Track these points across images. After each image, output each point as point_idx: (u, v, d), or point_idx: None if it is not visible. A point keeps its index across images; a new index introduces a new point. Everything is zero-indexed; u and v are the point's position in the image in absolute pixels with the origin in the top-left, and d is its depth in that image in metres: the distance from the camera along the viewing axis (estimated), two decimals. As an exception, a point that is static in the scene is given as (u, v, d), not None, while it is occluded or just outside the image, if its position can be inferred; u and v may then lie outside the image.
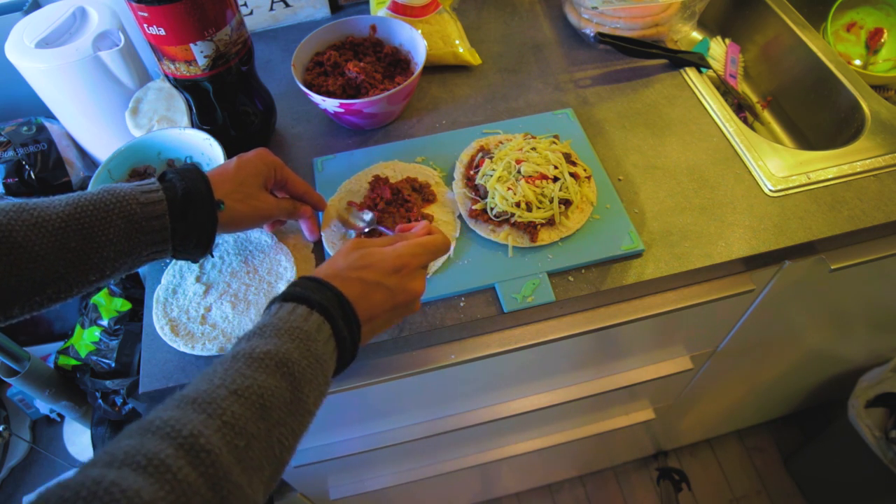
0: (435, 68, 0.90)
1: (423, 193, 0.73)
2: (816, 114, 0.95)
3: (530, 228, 0.68)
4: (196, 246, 0.56)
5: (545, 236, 0.69)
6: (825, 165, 0.76)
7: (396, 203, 0.71)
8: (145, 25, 0.64)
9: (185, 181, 0.54)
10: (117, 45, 0.79)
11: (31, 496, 0.33)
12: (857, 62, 1.07)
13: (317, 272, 0.51)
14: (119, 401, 0.95)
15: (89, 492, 0.30)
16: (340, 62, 0.82)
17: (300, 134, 0.84)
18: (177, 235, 0.54)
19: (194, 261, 0.59)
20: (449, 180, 0.75)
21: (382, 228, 0.68)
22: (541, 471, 1.45)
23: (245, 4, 0.95)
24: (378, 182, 0.73)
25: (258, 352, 0.42)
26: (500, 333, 0.70)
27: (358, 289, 0.49)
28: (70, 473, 0.32)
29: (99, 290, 0.99)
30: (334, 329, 0.46)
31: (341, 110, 0.77)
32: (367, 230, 0.69)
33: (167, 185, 0.54)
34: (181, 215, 0.54)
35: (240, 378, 0.39)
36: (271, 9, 0.97)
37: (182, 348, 0.63)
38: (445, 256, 0.68)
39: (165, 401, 0.38)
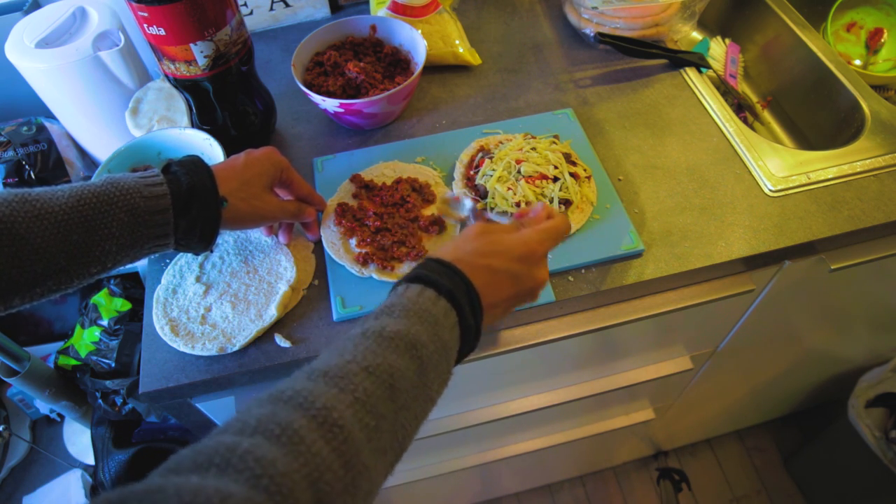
0: (435, 68, 0.90)
1: (423, 193, 0.73)
2: (816, 114, 0.95)
3: (530, 228, 0.68)
4: (199, 241, 0.56)
5: (545, 236, 0.68)
6: (825, 165, 0.76)
7: (396, 204, 0.71)
8: (145, 25, 0.64)
9: (191, 175, 0.54)
10: (117, 45, 0.79)
11: (166, 461, 0.33)
12: (857, 62, 1.07)
13: (443, 255, 0.48)
14: (119, 401, 0.95)
15: (223, 458, 0.30)
16: (340, 62, 0.82)
17: (300, 134, 0.84)
18: (179, 230, 0.54)
19: (196, 254, 0.59)
20: (449, 180, 0.75)
21: (490, 215, 0.64)
22: (541, 471, 1.45)
23: (245, 4, 0.95)
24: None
25: (388, 331, 0.40)
26: (501, 333, 0.71)
27: (485, 276, 0.47)
28: (200, 441, 0.31)
29: (103, 278, 0.99)
30: (460, 317, 0.45)
31: (341, 110, 0.77)
32: (471, 218, 0.64)
33: (171, 178, 0.54)
34: (185, 210, 0.54)
35: (371, 355, 0.39)
36: (271, 9, 0.97)
37: (182, 348, 0.63)
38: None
39: (294, 373, 0.38)
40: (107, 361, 0.94)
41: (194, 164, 0.55)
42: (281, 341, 0.64)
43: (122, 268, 0.54)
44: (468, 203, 0.63)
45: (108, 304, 0.96)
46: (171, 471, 0.30)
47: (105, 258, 0.50)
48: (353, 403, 0.36)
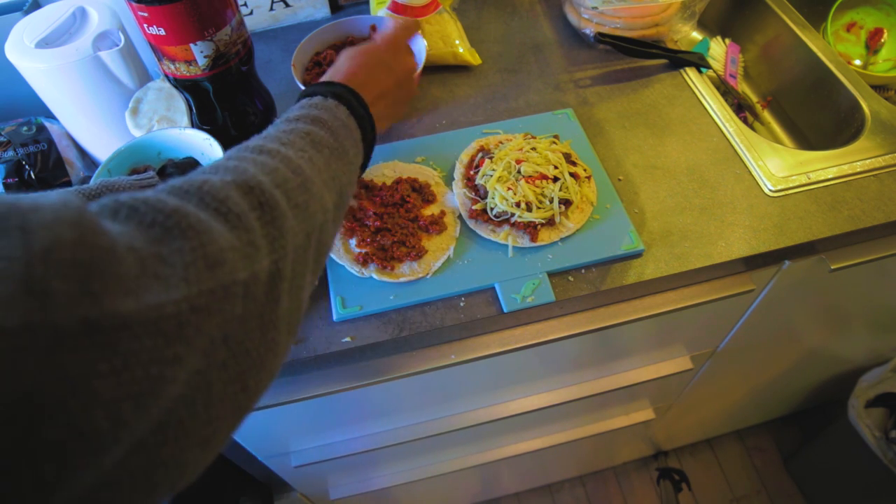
0: (435, 68, 0.90)
1: (423, 193, 0.73)
2: (816, 114, 0.95)
3: (530, 228, 0.68)
4: None
5: (545, 236, 0.69)
6: (825, 165, 0.76)
7: (396, 204, 0.71)
8: (145, 25, 0.64)
9: (181, 172, 0.55)
10: (117, 45, 0.79)
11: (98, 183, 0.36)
12: (857, 62, 1.07)
13: (324, 77, 0.55)
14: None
15: (188, 183, 0.33)
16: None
17: (300, 134, 0.84)
18: None
19: None
20: (449, 180, 0.75)
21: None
22: (541, 471, 1.45)
23: (245, 4, 0.95)
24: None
25: (292, 116, 0.46)
26: (500, 333, 0.71)
27: (361, 74, 0.55)
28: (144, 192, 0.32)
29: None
30: (349, 108, 0.50)
31: (341, 110, 0.77)
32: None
33: (165, 180, 0.54)
34: None
35: (284, 133, 0.43)
36: (271, 9, 0.97)
37: (182, 348, 0.63)
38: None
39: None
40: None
41: (190, 166, 0.56)
42: (281, 341, 0.64)
43: None
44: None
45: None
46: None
47: None
48: (281, 147, 0.41)
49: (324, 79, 0.55)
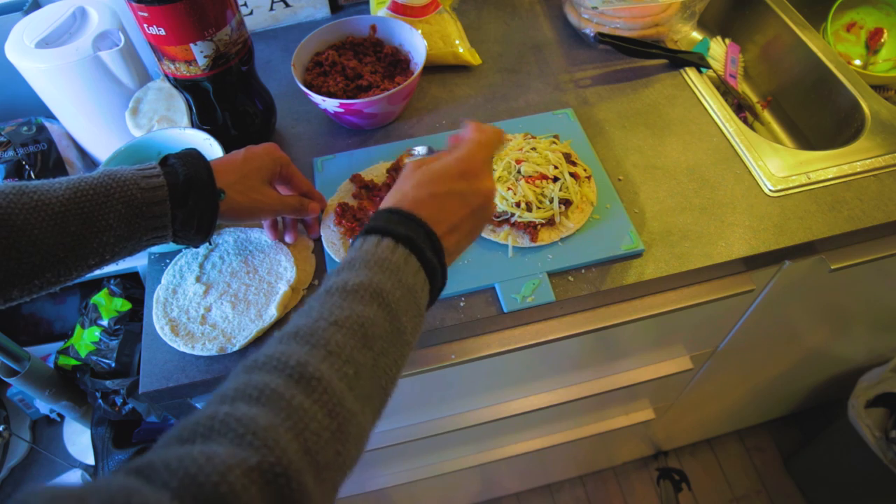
0: (435, 68, 0.90)
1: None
2: (816, 114, 0.95)
3: (530, 228, 0.68)
4: (197, 232, 0.56)
5: (545, 236, 0.69)
6: (825, 165, 0.76)
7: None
8: (145, 25, 0.64)
9: (188, 167, 0.54)
10: (117, 45, 0.79)
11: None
12: (857, 62, 1.07)
13: (388, 202, 0.48)
14: (119, 401, 0.95)
15: (206, 427, 0.30)
16: (340, 62, 0.82)
17: (300, 134, 0.84)
18: (177, 221, 0.54)
19: (195, 246, 0.60)
20: (449, 180, 0.75)
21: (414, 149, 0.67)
22: (541, 471, 1.45)
23: (245, 4, 0.95)
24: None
25: (351, 284, 0.41)
26: (500, 333, 0.70)
27: (432, 205, 0.47)
28: (186, 418, 0.32)
29: (103, 278, 0.99)
30: (422, 260, 0.44)
31: (341, 110, 0.77)
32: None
33: (169, 170, 0.54)
34: (182, 201, 0.54)
35: (337, 310, 0.39)
36: (271, 9, 0.97)
37: (182, 348, 0.63)
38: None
39: (266, 341, 0.38)
40: (107, 361, 0.94)
41: (192, 156, 0.56)
42: (281, 341, 0.64)
43: (120, 260, 0.54)
44: (423, 150, 0.66)
45: (108, 304, 0.96)
46: (158, 447, 0.30)
47: (103, 250, 0.51)
48: (328, 356, 0.36)
49: (391, 203, 0.48)
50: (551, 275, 0.67)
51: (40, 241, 0.47)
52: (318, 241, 0.72)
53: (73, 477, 1.04)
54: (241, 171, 0.60)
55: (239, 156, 0.61)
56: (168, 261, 0.71)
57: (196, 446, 0.29)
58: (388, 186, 0.73)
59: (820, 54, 0.92)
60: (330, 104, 0.76)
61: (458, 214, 0.48)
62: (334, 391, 0.34)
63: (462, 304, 0.66)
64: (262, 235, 0.71)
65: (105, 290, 0.98)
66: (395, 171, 0.75)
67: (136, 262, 0.85)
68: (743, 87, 1.06)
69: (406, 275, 0.43)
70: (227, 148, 0.71)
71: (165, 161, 0.55)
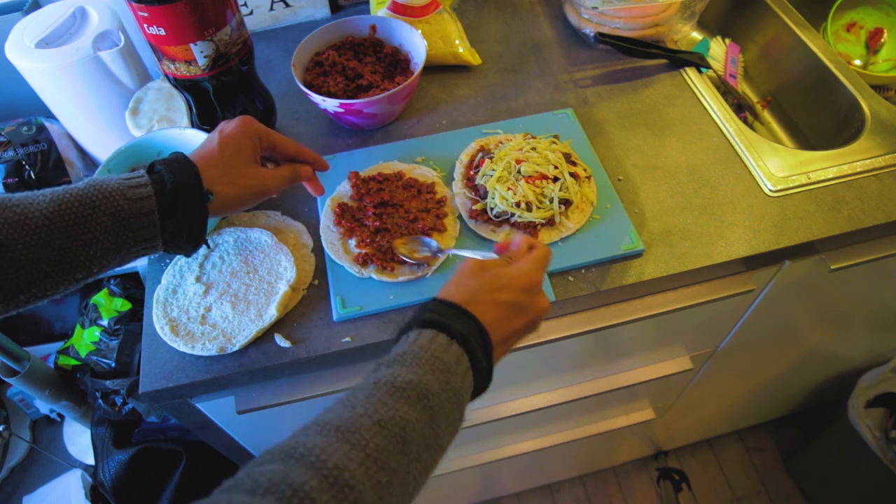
0: (435, 68, 0.90)
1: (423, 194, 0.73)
2: (816, 114, 0.95)
3: (530, 228, 0.68)
4: (187, 241, 0.54)
5: (545, 236, 0.69)
6: (825, 165, 0.76)
7: (396, 204, 0.71)
8: (145, 25, 0.64)
9: (174, 174, 0.52)
10: (117, 45, 0.79)
11: None
12: (857, 62, 1.07)
13: (449, 295, 0.48)
14: (119, 401, 0.95)
15: None
16: (340, 62, 0.82)
17: (300, 134, 0.84)
18: (167, 231, 0.53)
19: (187, 255, 0.58)
20: (449, 180, 0.75)
21: (456, 252, 0.65)
22: (541, 471, 1.45)
23: (245, 4, 0.95)
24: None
25: (400, 381, 0.40)
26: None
27: (493, 312, 0.48)
28: (207, 499, 0.31)
29: (102, 278, 0.99)
30: (472, 360, 0.44)
31: (341, 110, 0.77)
32: (437, 255, 0.66)
33: (156, 178, 0.52)
34: (171, 211, 0.52)
35: (383, 408, 0.38)
36: (271, 9, 0.97)
37: (182, 348, 0.63)
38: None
39: (307, 425, 0.37)
40: (107, 361, 0.94)
41: (178, 161, 0.54)
42: (281, 341, 0.64)
43: (111, 271, 0.53)
44: (434, 244, 0.66)
45: (108, 304, 0.96)
46: None
47: (90, 263, 0.49)
48: (365, 461, 0.35)
49: (451, 296, 0.48)
50: (551, 275, 0.67)
51: (24, 256, 0.45)
52: (318, 241, 0.71)
53: (73, 477, 1.04)
54: (221, 160, 0.56)
55: (214, 143, 0.57)
56: (168, 261, 0.71)
57: None
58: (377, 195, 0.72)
59: (820, 54, 0.92)
60: (330, 104, 0.76)
61: (514, 326, 0.49)
62: (364, 501, 0.34)
63: (462, 304, 0.66)
64: (262, 235, 0.71)
65: (105, 290, 0.98)
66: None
67: (136, 262, 0.86)
68: (743, 87, 1.06)
69: (455, 376, 0.43)
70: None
71: (152, 168, 0.53)
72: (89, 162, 0.96)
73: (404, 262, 0.67)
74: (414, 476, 0.38)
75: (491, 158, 0.72)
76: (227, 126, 0.58)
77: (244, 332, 0.63)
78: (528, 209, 0.68)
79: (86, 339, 0.96)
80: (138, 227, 0.51)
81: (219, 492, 0.32)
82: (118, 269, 0.54)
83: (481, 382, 0.46)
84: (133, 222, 0.50)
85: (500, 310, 0.48)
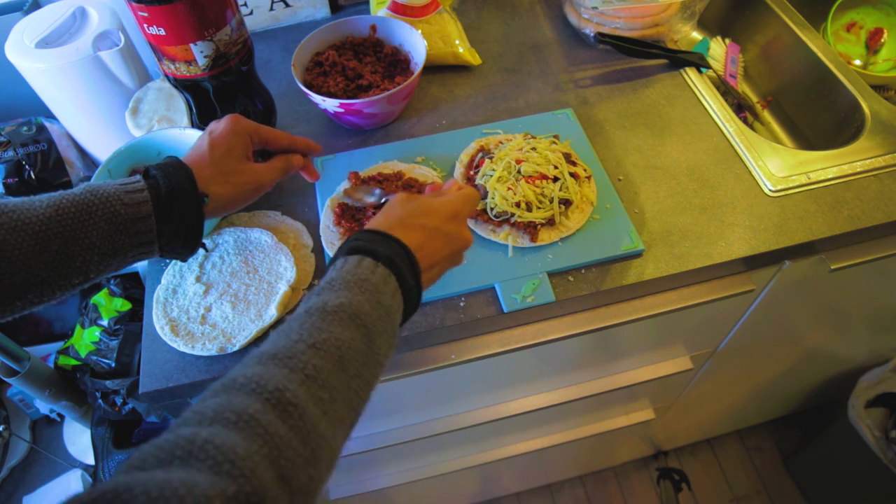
0: (435, 68, 0.90)
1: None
2: (816, 114, 0.95)
3: (530, 228, 0.68)
4: (184, 245, 0.54)
5: (545, 236, 0.69)
6: (825, 165, 0.76)
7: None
8: (145, 25, 0.64)
9: (169, 179, 0.52)
10: (117, 45, 0.79)
11: (128, 457, 0.33)
12: (857, 62, 1.07)
13: (375, 224, 0.50)
14: (119, 401, 0.95)
15: (184, 450, 0.30)
16: (340, 62, 0.82)
17: (300, 134, 0.83)
18: (163, 236, 0.53)
19: (183, 260, 0.58)
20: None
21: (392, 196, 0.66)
22: (541, 471, 1.45)
23: (245, 4, 0.95)
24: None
25: (331, 305, 0.42)
26: (500, 333, 0.70)
27: (419, 236, 0.49)
28: (164, 434, 0.32)
29: (94, 284, 0.99)
30: (400, 281, 0.46)
31: (341, 110, 0.77)
32: (378, 202, 0.68)
33: (152, 182, 0.52)
34: (167, 215, 0.52)
35: (316, 332, 0.40)
36: (271, 9, 0.97)
37: (182, 348, 0.63)
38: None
39: (244, 359, 0.39)
40: (107, 361, 0.94)
41: (172, 165, 0.53)
42: (281, 341, 0.64)
43: (105, 277, 0.52)
44: (377, 191, 0.68)
45: (108, 304, 0.96)
46: (135, 468, 0.30)
47: (87, 269, 0.49)
48: (305, 381, 0.37)
49: (377, 224, 0.50)
50: (551, 275, 0.67)
51: (20, 261, 0.45)
52: (318, 241, 0.71)
53: (73, 477, 1.04)
54: (213, 161, 0.56)
55: (204, 144, 0.57)
56: (168, 261, 0.71)
57: (175, 471, 0.29)
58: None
59: (820, 54, 0.92)
60: (330, 104, 0.76)
61: (440, 252, 0.51)
62: (309, 417, 0.35)
63: (462, 304, 0.66)
64: (262, 235, 0.71)
65: (105, 290, 0.98)
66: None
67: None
68: (743, 87, 1.06)
69: (384, 295, 0.44)
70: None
71: (147, 173, 0.53)
72: (89, 162, 0.96)
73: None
74: (356, 391, 0.40)
75: (491, 158, 0.72)
76: (217, 126, 0.59)
77: (244, 332, 0.63)
78: (528, 209, 0.68)
79: (86, 339, 0.96)
80: (135, 233, 0.51)
81: (167, 431, 0.33)
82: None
83: (411, 302, 0.47)
84: (130, 227, 0.50)
85: (427, 234, 0.50)
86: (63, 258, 0.47)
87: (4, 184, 0.87)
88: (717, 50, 1.04)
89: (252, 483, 0.30)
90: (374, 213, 0.70)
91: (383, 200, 0.67)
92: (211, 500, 0.28)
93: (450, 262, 0.53)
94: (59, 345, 1.02)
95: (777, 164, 0.76)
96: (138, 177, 0.52)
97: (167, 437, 0.32)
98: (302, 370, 0.37)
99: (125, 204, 0.50)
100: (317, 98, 0.76)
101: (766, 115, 1.04)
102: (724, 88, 1.02)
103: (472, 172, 0.74)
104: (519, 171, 0.69)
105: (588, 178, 0.73)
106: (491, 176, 0.70)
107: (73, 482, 1.04)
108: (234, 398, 0.34)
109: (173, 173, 0.53)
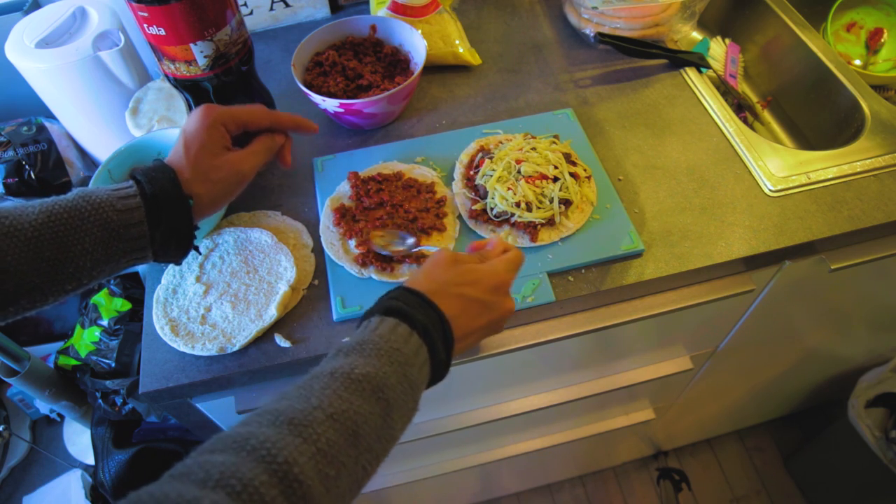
0: (435, 68, 0.90)
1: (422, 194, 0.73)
2: (816, 114, 0.95)
3: (530, 228, 0.68)
4: (176, 249, 0.54)
5: (545, 236, 0.69)
6: (825, 165, 0.76)
7: (395, 205, 0.71)
8: (145, 25, 0.64)
9: (153, 183, 0.51)
10: (117, 45, 0.79)
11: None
12: (857, 62, 1.07)
13: (416, 284, 0.49)
14: (119, 401, 0.95)
15: None
16: (340, 62, 0.82)
17: (300, 134, 0.84)
18: (155, 242, 0.52)
19: (177, 263, 0.57)
20: (449, 180, 0.75)
21: (427, 248, 0.66)
22: (541, 471, 1.45)
23: (245, 4, 0.95)
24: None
25: (357, 373, 0.41)
26: (501, 333, 0.70)
27: (458, 306, 0.48)
28: (157, 484, 0.31)
29: (87, 292, 0.99)
30: (431, 352, 0.45)
31: (341, 110, 0.77)
32: (409, 252, 0.66)
33: (140, 188, 0.51)
34: (158, 221, 0.51)
35: (337, 401, 0.39)
36: (271, 9, 0.97)
37: (182, 348, 0.63)
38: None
39: (260, 412, 0.38)
40: (107, 361, 0.94)
41: (156, 169, 0.53)
42: (281, 341, 0.64)
43: (98, 282, 0.52)
44: (410, 240, 0.66)
45: (108, 304, 0.96)
46: None
47: (80, 275, 0.49)
48: (315, 455, 0.36)
49: (417, 284, 0.48)
50: (551, 275, 0.67)
51: (13, 268, 0.45)
52: (318, 241, 0.71)
53: (73, 477, 1.04)
54: (189, 161, 0.54)
55: (180, 145, 0.55)
56: (168, 261, 0.71)
57: None
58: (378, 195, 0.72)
59: (820, 54, 0.92)
60: (330, 104, 0.76)
61: (477, 323, 0.50)
62: (313, 496, 0.35)
63: (462, 304, 0.66)
64: (262, 235, 0.71)
65: (105, 290, 0.98)
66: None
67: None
68: (743, 87, 1.06)
69: (412, 368, 0.43)
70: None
71: (136, 178, 0.52)
72: (89, 162, 0.96)
73: (404, 262, 0.67)
74: (363, 466, 0.39)
75: (491, 158, 0.72)
76: (188, 124, 0.56)
77: (244, 332, 0.63)
78: (528, 209, 0.68)
79: (86, 339, 0.96)
80: (128, 238, 0.50)
81: (169, 477, 0.32)
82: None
83: (438, 373, 0.47)
84: (123, 233, 0.50)
85: (466, 305, 0.49)
86: (56, 264, 0.47)
87: (4, 184, 0.87)
88: (717, 50, 1.04)
89: None
90: (383, 216, 0.70)
91: (415, 251, 0.66)
92: None
93: (487, 330, 0.52)
94: (59, 345, 1.02)
95: (777, 164, 0.76)
96: (130, 182, 0.52)
97: (165, 487, 0.31)
98: (315, 442, 0.36)
99: (118, 210, 0.50)
100: (317, 98, 0.76)
101: (766, 115, 1.04)
102: (724, 88, 1.02)
103: (472, 172, 0.74)
104: (519, 171, 0.69)
105: (588, 178, 0.73)
106: (491, 176, 0.70)
107: (72, 482, 1.04)
108: (243, 463, 0.34)
109: (157, 178, 0.52)
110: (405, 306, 0.45)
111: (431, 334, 0.45)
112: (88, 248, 0.48)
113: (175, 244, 0.53)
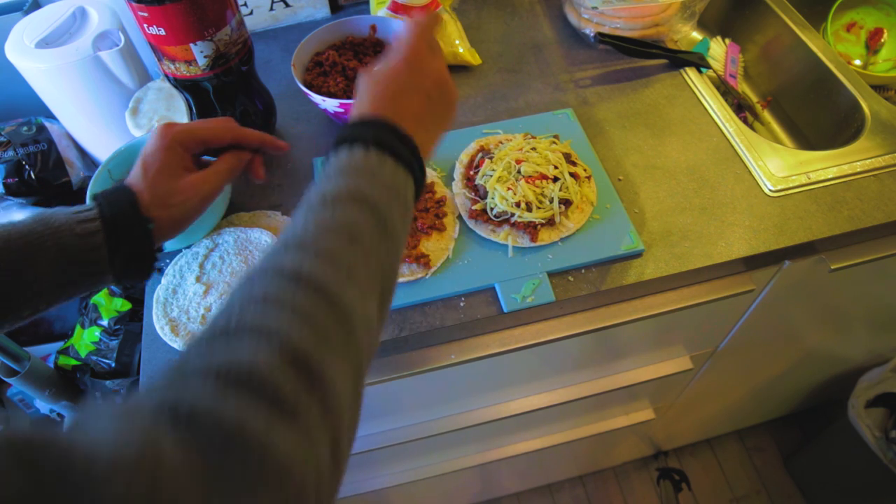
0: (435, 68, 0.90)
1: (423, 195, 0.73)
2: (816, 114, 0.95)
3: (530, 228, 0.68)
4: (137, 272, 0.52)
5: (545, 236, 0.69)
6: (825, 165, 0.76)
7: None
8: (145, 25, 0.64)
9: (112, 206, 0.50)
10: (117, 45, 0.79)
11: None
12: (857, 62, 1.07)
13: (351, 117, 0.48)
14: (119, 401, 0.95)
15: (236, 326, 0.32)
16: (340, 62, 0.82)
17: (300, 134, 0.84)
18: (115, 266, 0.50)
19: (140, 283, 0.56)
20: (449, 180, 0.75)
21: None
22: (541, 471, 1.45)
23: (245, 4, 0.95)
24: None
25: (330, 194, 0.40)
26: (500, 333, 0.70)
27: (390, 105, 0.47)
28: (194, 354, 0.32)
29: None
30: (396, 157, 0.44)
31: (341, 110, 0.77)
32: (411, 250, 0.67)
33: (99, 211, 0.50)
34: (116, 245, 0.49)
35: (322, 220, 0.39)
36: (271, 9, 0.97)
37: (182, 348, 0.63)
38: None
39: (266, 253, 0.38)
40: (107, 361, 0.94)
41: (115, 191, 0.51)
42: (281, 341, 0.64)
43: (59, 305, 0.50)
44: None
45: (108, 304, 0.96)
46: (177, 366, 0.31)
47: (37, 300, 0.47)
48: (318, 256, 0.36)
49: (352, 116, 0.48)
50: (551, 275, 0.67)
51: None
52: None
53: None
54: (147, 185, 0.52)
55: (138, 167, 0.54)
56: (168, 261, 0.71)
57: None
58: None
59: (820, 54, 0.92)
60: (330, 104, 0.76)
61: (416, 104, 0.49)
62: (328, 288, 0.35)
63: (462, 304, 0.66)
64: (262, 235, 0.71)
65: (105, 290, 0.98)
66: None
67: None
68: (743, 87, 1.06)
69: (384, 175, 0.43)
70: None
71: (98, 201, 0.51)
72: (89, 162, 0.96)
73: (404, 262, 0.67)
74: (378, 263, 0.40)
75: (491, 158, 0.72)
76: (147, 144, 0.55)
77: (244, 332, 0.63)
78: (528, 209, 0.68)
79: (86, 339, 0.96)
80: (86, 262, 0.48)
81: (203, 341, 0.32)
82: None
83: (416, 175, 0.46)
84: (81, 258, 0.48)
85: (395, 99, 0.48)
86: (11, 289, 0.46)
87: (4, 184, 0.87)
88: (717, 50, 1.04)
89: (297, 353, 0.31)
90: None
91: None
92: (271, 368, 0.30)
93: (432, 105, 0.50)
94: (59, 345, 1.02)
95: (777, 164, 0.76)
96: (91, 204, 0.50)
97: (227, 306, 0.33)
98: (313, 250, 0.37)
99: (76, 234, 0.48)
100: (317, 98, 0.76)
101: (766, 115, 1.04)
102: (724, 88, 1.02)
103: (472, 172, 0.74)
104: (519, 171, 0.69)
105: (588, 178, 0.73)
106: (491, 176, 0.70)
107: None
108: (255, 344, 0.33)
109: (116, 201, 0.50)
110: (349, 133, 0.45)
111: (385, 142, 0.44)
112: (45, 273, 0.47)
113: (136, 267, 0.51)
